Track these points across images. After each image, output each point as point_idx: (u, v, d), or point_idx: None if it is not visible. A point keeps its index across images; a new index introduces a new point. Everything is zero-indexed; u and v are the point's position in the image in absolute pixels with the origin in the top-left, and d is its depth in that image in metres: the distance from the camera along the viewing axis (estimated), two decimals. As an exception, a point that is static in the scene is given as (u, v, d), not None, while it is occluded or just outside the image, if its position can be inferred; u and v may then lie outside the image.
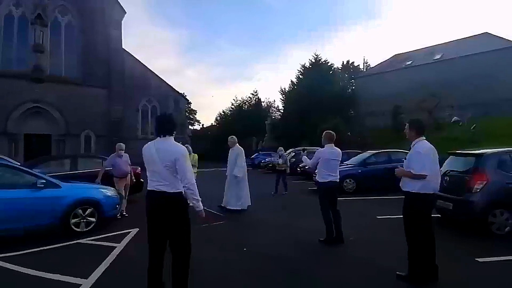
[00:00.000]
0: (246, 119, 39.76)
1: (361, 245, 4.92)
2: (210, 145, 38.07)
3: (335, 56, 68.00)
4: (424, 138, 3.53)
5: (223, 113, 49.35)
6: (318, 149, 5.54)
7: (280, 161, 11.20)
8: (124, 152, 7.64)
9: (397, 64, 32.84)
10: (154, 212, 2.89)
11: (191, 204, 2.98)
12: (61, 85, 20.06)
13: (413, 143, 3.55)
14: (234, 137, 8.21)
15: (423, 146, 3.46)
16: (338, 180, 5.13)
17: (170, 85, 25.69)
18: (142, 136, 23.40)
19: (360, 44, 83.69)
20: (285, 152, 21.03)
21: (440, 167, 3.76)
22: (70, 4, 20.74)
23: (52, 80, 19.71)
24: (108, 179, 7.33)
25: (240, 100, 46.92)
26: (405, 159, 3.62)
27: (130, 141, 21.84)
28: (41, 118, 19.80)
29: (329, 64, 35.82)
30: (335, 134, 5.27)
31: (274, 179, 11.18)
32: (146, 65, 24.55)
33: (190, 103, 42.97)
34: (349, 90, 36.87)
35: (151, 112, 24.36)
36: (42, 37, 19.43)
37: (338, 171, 5.13)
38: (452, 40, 32.03)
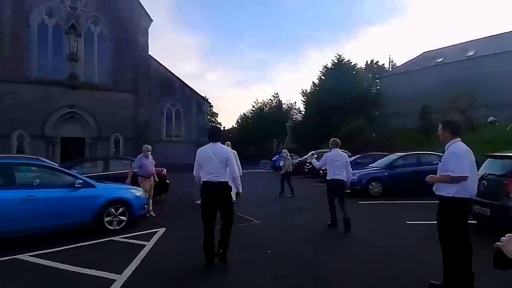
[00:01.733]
0: (267, 121, 39.82)
1: (391, 252, 4.79)
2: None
3: (358, 55, 66.61)
4: (460, 139, 3.35)
5: (244, 116, 49.78)
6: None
7: (281, 163, 11.04)
8: (153, 153, 7.98)
9: (426, 62, 31.52)
10: (211, 194, 4.08)
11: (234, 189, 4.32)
12: (93, 91, 21.18)
13: (448, 145, 3.36)
14: (228, 142, 8.80)
15: (459, 147, 3.28)
16: (344, 179, 6.07)
17: (193, 89, 26.27)
18: (166, 139, 24.08)
19: (385, 43, 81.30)
20: (307, 154, 20.96)
21: (477, 171, 3.58)
22: (102, 14, 21.85)
23: (85, 86, 20.87)
24: (133, 180, 7.67)
25: (261, 103, 47.11)
26: (440, 161, 3.43)
27: (155, 143, 22.63)
28: (76, 122, 20.97)
29: (352, 64, 35.12)
30: (339, 141, 6.47)
31: (293, 182, 11.17)
32: (170, 69, 25.31)
33: (212, 106, 43.70)
34: (373, 90, 35.87)
35: (175, 115, 25.04)
36: (76, 46, 20.62)
37: (344, 171, 6.07)
38: (485, 36, 30.35)
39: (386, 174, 10.27)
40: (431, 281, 3.44)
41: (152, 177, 7.86)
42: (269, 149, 33.76)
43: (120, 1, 22.46)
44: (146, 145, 8.17)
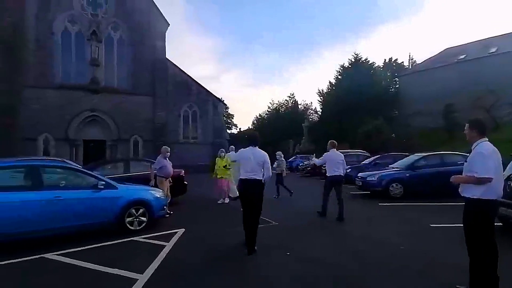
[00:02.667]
0: (282, 122, 39.71)
1: (415, 255, 4.63)
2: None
3: (376, 54, 65.24)
4: (487, 139, 3.25)
5: (259, 117, 49.85)
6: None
7: (275, 164, 10.53)
8: (171, 155, 8.15)
9: (447, 59, 30.40)
10: (249, 190, 4.86)
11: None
12: (113, 95, 21.84)
13: (474, 144, 3.26)
14: (232, 146, 10.45)
15: (486, 147, 3.17)
16: (342, 174, 7.21)
17: (208, 91, 26.55)
18: (183, 140, 24.45)
19: (404, 40, 79.27)
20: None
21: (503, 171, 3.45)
22: (121, 20, 22.51)
23: (106, 90, 21.57)
24: (148, 181, 7.81)
25: (276, 103, 47.05)
26: (465, 161, 3.31)
27: (173, 144, 23.03)
28: (97, 125, 21.67)
29: (369, 63, 34.45)
30: (336, 143, 7.61)
31: (312, 183, 11.01)
32: (186, 72, 25.69)
33: (227, 107, 44.10)
34: (392, 89, 35.03)
35: (192, 117, 25.39)
36: (97, 52, 21.34)
37: (341, 168, 7.19)
38: (508, 32, 28.97)
39: (407, 175, 9.95)
40: (457, 286, 3.36)
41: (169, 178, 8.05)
42: (285, 150, 33.59)
43: (138, 7, 23.05)
44: (165, 146, 8.34)
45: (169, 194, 7.96)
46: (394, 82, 36.24)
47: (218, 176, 9.75)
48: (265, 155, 4.94)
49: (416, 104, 28.48)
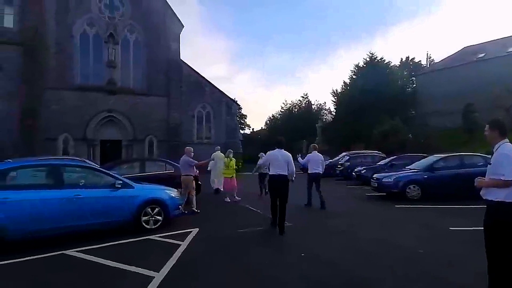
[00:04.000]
0: (296, 122, 39.48)
1: (434, 259, 4.51)
2: (260, 149, 38.51)
3: (393, 53, 63.84)
4: (508, 140, 3.15)
5: (272, 117, 49.74)
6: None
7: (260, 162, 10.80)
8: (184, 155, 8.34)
9: (466, 58, 29.48)
10: (277, 184, 6.08)
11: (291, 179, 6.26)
12: (129, 95, 22.29)
13: (496, 146, 3.15)
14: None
15: (509, 148, 3.05)
16: (320, 172, 8.69)
17: (222, 92, 26.69)
18: (197, 141, 24.63)
19: (422, 39, 77.37)
20: (338, 155, 20.43)
21: None
22: (137, 22, 22.95)
23: (122, 91, 22.04)
24: (167, 180, 7.98)
25: (290, 104, 46.84)
26: (489, 164, 3.18)
27: (186, 145, 23.26)
28: (114, 125, 22.17)
29: (385, 62, 33.81)
30: (317, 146, 9.77)
31: (326, 184, 10.94)
32: (200, 73, 25.94)
33: (240, 108, 44.20)
34: (409, 89, 34.24)
35: (205, 117, 25.60)
36: (114, 54, 21.85)
37: (320, 167, 8.74)
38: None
39: (425, 176, 9.65)
40: None
41: None
42: (298, 150, 33.42)
43: (153, 9, 23.44)
44: (188, 147, 8.81)
45: (193, 192, 8.32)
46: (411, 81, 35.42)
47: (225, 176, 10.25)
48: (289, 155, 6.25)
49: (434, 103, 27.73)
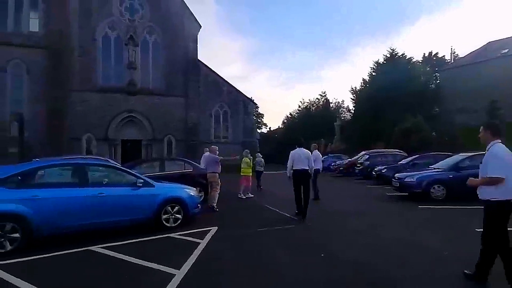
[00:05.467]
0: (314, 121, 39.04)
1: (459, 261, 4.32)
2: (277, 148, 38.38)
3: (415, 48, 61.70)
4: (500, 140, 3.38)
5: (290, 116, 49.42)
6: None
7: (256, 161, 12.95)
8: (204, 154, 8.54)
9: (490, 53, 28.13)
10: (300, 176, 7.13)
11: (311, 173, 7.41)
12: (148, 96, 22.82)
13: (488, 146, 3.42)
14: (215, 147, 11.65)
15: (499, 148, 3.32)
16: (320, 169, 9.44)
17: (239, 91, 26.79)
18: (215, 140, 24.82)
19: (446, 34, 74.52)
20: (357, 154, 20.03)
21: None
22: (156, 24, 23.43)
23: (142, 92, 22.59)
24: (186, 179, 8.08)
25: (307, 102, 46.37)
26: (480, 163, 3.38)
27: (204, 144, 23.51)
28: (134, 126, 22.76)
29: (407, 57, 32.77)
30: (317, 145, 10.57)
31: (344, 184, 10.73)
32: (217, 72, 26.15)
33: (257, 107, 44.15)
34: (433, 85, 33.00)
35: (223, 117, 25.79)
36: (134, 56, 22.41)
37: (320, 164, 9.67)
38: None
39: (450, 176, 9.26)
40: (465, 271, 3.67)
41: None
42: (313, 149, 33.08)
43: (172, 10, 23.83)
44: (213, 146, 9.21)
45: (218, 189, 8.63)
46: (435, 77, 34.14)
47: (245, 174, 10.90)
48: (309, 153, 7.50)
49: (459, 100, 26.62)
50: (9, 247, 4.63)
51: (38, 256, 4.56)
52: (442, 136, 22.21)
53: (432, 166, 10.57)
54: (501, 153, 3.26)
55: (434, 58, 39.87)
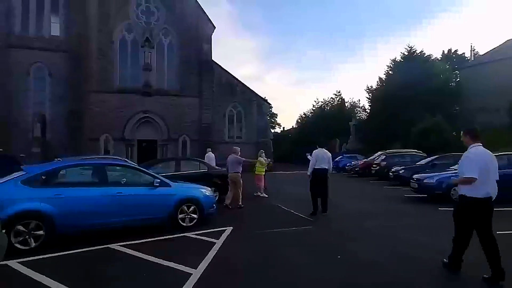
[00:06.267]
0: (328, 120, 38.58)
1: (476, 266, 4.17)
2: (290, 148, 38.21)
3: (433, 46, 60.08)
4: (480, 144, 3.72)
5: (304, 116, 49.06)
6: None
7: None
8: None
9: (510, 51, 26.98)
10: (321, 175, 7.62)
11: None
12: (164, 97, 23.22)
13: (468, 148, 3.74)
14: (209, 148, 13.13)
15: (474, 150, 3.66)
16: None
17: (253, 91, 26.83)
18: (228, 140, 24.99)
19: (465, 30, 72.10)
20: (373, 154, 19.66)
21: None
22: (171, 26, 23.81)
23: (157, 93, 23.01)
24: (201, 179, 8.18)
25: (321, 102, 45.89)
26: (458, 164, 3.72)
27: (218, 144, 23.71)
28: (149, 126, 23.21)
29: (425, 55, 31.86)
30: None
31: (359, 185, 10.54)
32: (231, 73, 26.28)
33: (271, 107, 44.07)
34: (452, 83, 31.93)
35: (236, 117, 25.89)
36: (150, 57, 22.84)
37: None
38: None
39: (471, 177, 8.97)
40: (443, 260, 4.01)
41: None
42: (331, 149, 32.71)
43: (186, 12, 24.15)
44: (235, 147, 9.66)
45: (241, 189, 8.97)
46: (455, 75, 33.04)
47: (259, 173, 11.16)
48: (329, 153, 7.94)
49: (480, 99, 25.66)
50: (33, 244, 4.80)
51: (60, 253, 4.71)
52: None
53: (452, 167, 10.25)
54: (473, 155, 3.63)
55: (454, 55, 38.60)
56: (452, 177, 4.22)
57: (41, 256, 4.55)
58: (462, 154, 12.66)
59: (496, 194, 3.71)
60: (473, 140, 3.75)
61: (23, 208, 4.82)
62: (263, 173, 11.26)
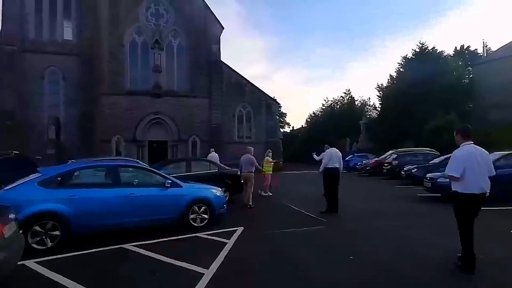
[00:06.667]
0: (338, 119, 38.25)
1: (496, 265, 4.12)
2: (300, 147, 38.02)
3: (444, 42, 58.65)
4: (471, 142, 3.89)
5: (313, 115, 48.77)
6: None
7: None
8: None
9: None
10: (335, 175, 7.77)
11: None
12: (174, 98, 23.44)
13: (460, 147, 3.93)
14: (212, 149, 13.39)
15: (462, 149, 3.87)
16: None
17: (262, 91, 26.81)
18: (238, 140, 25.05)
19: (477, 26, 70.36)
20: (384, 153, 19.38)
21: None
22: (180, 27, 24.02)
23: (167, 94, 23.25)
24: (212, 180, 8.22)
25: (331, 100, 45.53)
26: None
27: (228, 144, 23.80)
28: (160, 127, 23.47)
29: (438, 51, 31.23)
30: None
31: (370, 184, 10.43)
32: (240, 73, 26.32)
33: (280, 106, 43.96)
34: (466, 80, 31.19)
35: (246, 117, 25.92)
36: (159, 59, 23.09)
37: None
38: None
39: (485, 177, 8.76)
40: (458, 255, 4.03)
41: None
42: (341, 148, 32.41)
43: (195, 14, 24.32)
44: (249, 147, 9.92)
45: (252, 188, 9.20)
46: (468, 72, 32.28)
47: (267, 172, 11.31)
48: (340, 153, 8.06)
49: (493, 96, 24.99)
50: (49, 244, 4.92)
51: (76, 253, 4.81)
52: (476, 135, 20.91)
53: (466, 166, 10.03)
54: (458, 154, 3.84)
55: (466, 51, 37.71)
56: (445, 173, 4.07)
57: (57, 256, 4.65)
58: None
59: (490, 188, 3.83)
60: (464, 139, 3.93)
61: (40, 209, 4.95)
62: (270, 172, 11.41)
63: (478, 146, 3.93)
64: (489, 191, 3.84)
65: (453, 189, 3.93)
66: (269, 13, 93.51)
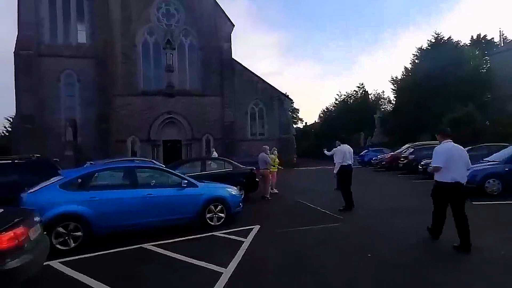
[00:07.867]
0: (352, 114, 37.69)
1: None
2: (314, 143, 37.70)
3: (461, 31, 56.67)
4: (450, 140, 4.69)
5: (326, 110, 48.27)
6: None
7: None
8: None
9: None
10: (350, 172, 7.83)
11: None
12: (186, 97, 23.66)
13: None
14: (213, 149, 13.49)
15: (441, 146, 4.69)
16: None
17: (274, 87, 26.67)
18: (251, 137, 25.08)
19: (493, 14, 67.57)
20: (400, 147, 18.99)
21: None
22: (191, 27, 24.15)
23: (180, 93, 23.48)
24: (227, 178, 8.29)
25: (344, 95, 44.91)
26: None
27: (241, 142, 23.88)
28: (173, 126, 23.76)
29: (454, 42, 30.23)
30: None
31: (387, 179, 10.24)
32: (251, 70, 26.26)
33: (293, 102, 43.71)
34: (483, 70, 30.10)
35: (258, 114, 25.88)
36: (172, 59, 23.31)
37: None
38: None
39: (507, 169, 8.50)
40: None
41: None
42: (356, 143, 31.90)
43: (205, 12, 24.38)
44: (265, 146, 10.73)
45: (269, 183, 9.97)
46: (485, 62, 31.13)
47: (273, 170, 11.34)
48: (351, 148, 8.18)
49: (510, 86, 24.04)
50: (72, 245, 5.08)
51: (97, 253, 4.95)
52: (495, 126, 20.18)
53: (486, 159, 9.74)
54: (439, 149, 4.65)
55: (483, 41, 36.28)
56: (429, 166, 5.10)
57: (80, 256, 4.80)
58: (497, 145, 12.21)
59: (466, 179, 4.57)
60: (443, 138, 4.76)
61: (62, 211, 5.11)
62: (276, 170, 11.53)
63: (456, 144, 4.68)
64: (465, 182, 4.52)
65: (434, 178, 4.72)
66: (279, 7, 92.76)
